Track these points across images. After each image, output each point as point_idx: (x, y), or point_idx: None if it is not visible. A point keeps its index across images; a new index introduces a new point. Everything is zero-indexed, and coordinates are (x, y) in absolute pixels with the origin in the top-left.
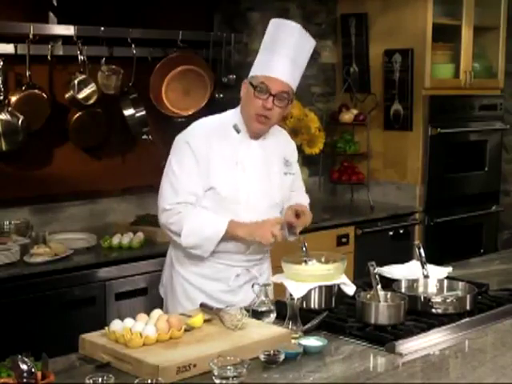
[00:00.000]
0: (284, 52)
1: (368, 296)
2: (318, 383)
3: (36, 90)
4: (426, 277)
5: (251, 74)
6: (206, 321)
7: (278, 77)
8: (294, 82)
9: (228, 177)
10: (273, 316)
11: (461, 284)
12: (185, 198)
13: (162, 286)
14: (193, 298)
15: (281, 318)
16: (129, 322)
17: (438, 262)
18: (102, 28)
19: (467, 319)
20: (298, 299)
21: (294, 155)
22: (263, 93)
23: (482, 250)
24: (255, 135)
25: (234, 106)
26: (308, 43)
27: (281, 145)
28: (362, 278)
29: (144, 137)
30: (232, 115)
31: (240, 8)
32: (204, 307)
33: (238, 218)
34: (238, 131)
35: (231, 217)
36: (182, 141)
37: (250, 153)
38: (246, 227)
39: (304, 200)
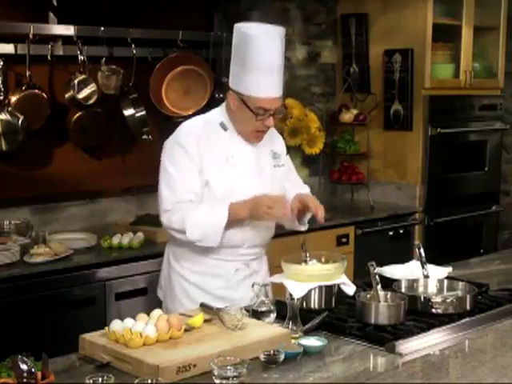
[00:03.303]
0: (271, 68)
1: (368, 296)
2: (318, 383)
3: (36, 90)
4: (426, 277)
5: (242, 91)
6: (206, 321)
7: (275, 95)
8: (282, 88)
9: (221, 173)
10: (273, 316)
11: (461, 284)
12: (184, 196)
13: (161, 289)
14: (192, 296)
15: (281, 318)
16: (129, 322)
17: (438, 262)
18: (102, 28)
19: (467, 319)
20: (297, 299)
21: (281, 147)
22: (263, 115)
23: (481, 250)
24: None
25: None
26: (282, 37)
27: (267, 138)
28: (362, 278)
29: (144, 137)
30: (217, 114)
31: (240, 8)
32: (204, 307)
33: None
34: (225, 129)
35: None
36: (172, 142)
37: (240, 149)
38: (245, 208)
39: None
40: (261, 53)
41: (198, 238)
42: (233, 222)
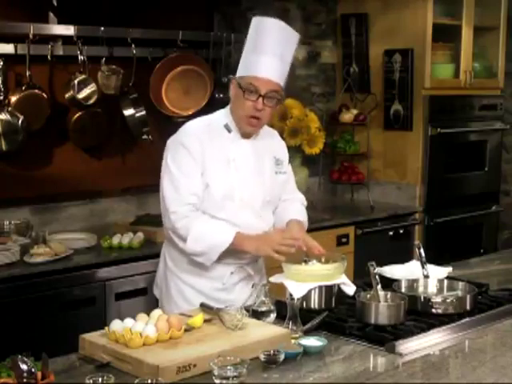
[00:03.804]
0: (269, 50)
1: (368, 296)
2: (318, 383)
3: (36, 90)
4: (426, 277)
5: (238, 74)
6: (206, 321)
7: (266, 76)
8: (282, 79)
9: (222, 175)
10: (273, 316)
11: (461, 284)
12: (187, 199)
13: (157, 287)
14: (188, 297)
15: (281, 318)
16: (129, 322)
17: (438, 262)
18: (102, 28)
19: (467, 319)
20: (298, 299)
21: (284, 155)
22: (252, 94)
23: (481, 250)
24: (246, 135)
25: None
26: (292, 37)
27: (271, 144)
28: (362, 278)
29: (144, 137)
30: (222, 115)
31: (240, 8)
32: (204, 307)
33: (233, 216)
34: (229, 131)
35: (227, 215)
36: (175, 142)
37: (242, 151)
38: (252, 242)
39: (297, 208)
40: (261, 35)
41: (196, 251)
42: (234, 249)
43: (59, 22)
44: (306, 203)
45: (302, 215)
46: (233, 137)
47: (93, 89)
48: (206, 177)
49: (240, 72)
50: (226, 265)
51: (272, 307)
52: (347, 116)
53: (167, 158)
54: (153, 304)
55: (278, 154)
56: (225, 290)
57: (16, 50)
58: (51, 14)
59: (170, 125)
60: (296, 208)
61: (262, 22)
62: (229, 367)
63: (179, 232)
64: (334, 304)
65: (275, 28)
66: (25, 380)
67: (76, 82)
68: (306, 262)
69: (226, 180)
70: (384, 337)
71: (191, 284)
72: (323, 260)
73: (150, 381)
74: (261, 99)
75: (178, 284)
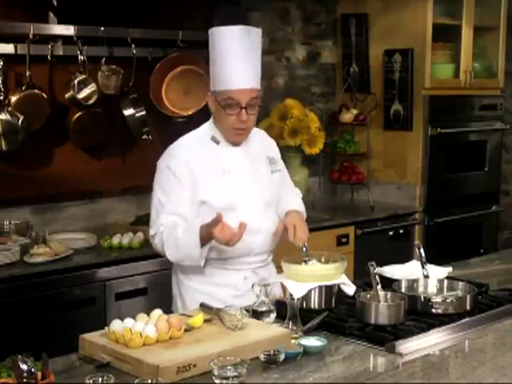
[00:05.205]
0: (236, 58)
1: (368, 296)
2: (318, 383)
3: (36, 90)
4: (426, 277)
5: (212, 88)
6: (206, 321)
7: (242, 87)
8: (257, 82)
9: (219, 188)
10: (273, 316)
11: (461, 284)
12: (165, 220)
13: (175, 307)
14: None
15: (281, 318)
16: (129, 322)
17: (438, 262)
18: (102, 28)
19: (467, 319)
20: (298, 299)
21: (276, 152)
22: (233, 108)
23: (481, 250)
24: (236, 143)
25: None
26: (254, 35)
27: (262, 145)
28: (362, 278)
29: (144, 137)
30: (207, 128)
31: (240, 8)
32: (204, 307)
33: (237, 224)
34: (217, 142)
35: (231, 223)
36: (162, 165)
37: (235, 159)
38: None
39: (296, 201)
40: (224, 46)
41: (178, 259)
42: (208, 240)
43: (59, 22)
44: (301, 195)
45: (300, 207)
46: (222, 147)
47: (93, 89)
48: (199, 195)
49: (214, 86)
50: (239, 271)
51: (272, 307)
52: (347, 116)
53: (155, 181)
54: (153, 304)
55: (271, 153)
56: (240, 297)
57: (16, 50)
58: (51, 14)
59: (169, 125)
60: (294, 201)
61: (219, 33)
62: (229, 367)
63: (158, 248)
64: (334, 304)
65: (233, 34)
66: (25, 380)
67: (76, 81)
68: (305, 262)
69: (225, 192)
70: (384, 337)
71: (207, 292)
72: (323, 260)
73: (150, 381)
74: (244, 111)
75: (193, 294)
